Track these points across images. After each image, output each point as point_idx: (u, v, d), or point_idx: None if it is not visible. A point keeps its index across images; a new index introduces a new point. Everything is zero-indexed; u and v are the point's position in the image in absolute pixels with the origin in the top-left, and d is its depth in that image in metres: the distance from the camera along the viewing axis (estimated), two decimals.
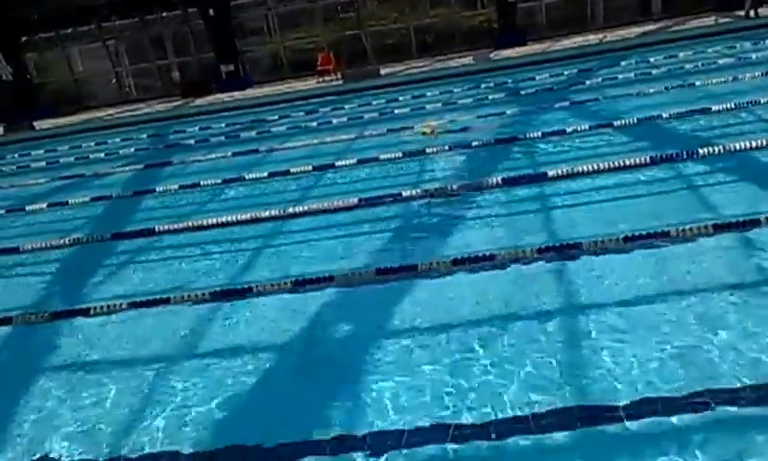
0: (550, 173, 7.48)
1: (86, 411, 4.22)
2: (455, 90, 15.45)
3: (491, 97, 13.97)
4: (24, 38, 23.89)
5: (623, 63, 15.27)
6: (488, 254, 5.55)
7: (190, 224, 7.77)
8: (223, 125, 16.20)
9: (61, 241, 7.92)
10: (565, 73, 15.46)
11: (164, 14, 24.03)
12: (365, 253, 6.24)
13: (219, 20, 22.06)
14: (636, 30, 20.13)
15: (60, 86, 25.23)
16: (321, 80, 20.89)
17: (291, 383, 4.28)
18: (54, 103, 24.01)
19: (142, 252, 7.32)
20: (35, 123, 20.61)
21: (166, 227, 7.77)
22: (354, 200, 7.68)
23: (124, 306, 5.64)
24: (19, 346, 5.57)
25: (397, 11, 24.09)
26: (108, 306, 5.66)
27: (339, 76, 20.49)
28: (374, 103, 15.59)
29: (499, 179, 7.59)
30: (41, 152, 16.28)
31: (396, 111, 13.91)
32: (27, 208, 10.07)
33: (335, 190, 8.64)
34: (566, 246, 5.50)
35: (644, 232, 5.43)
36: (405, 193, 7.66)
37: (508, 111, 11.94)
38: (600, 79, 13.83)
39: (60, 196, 10.59)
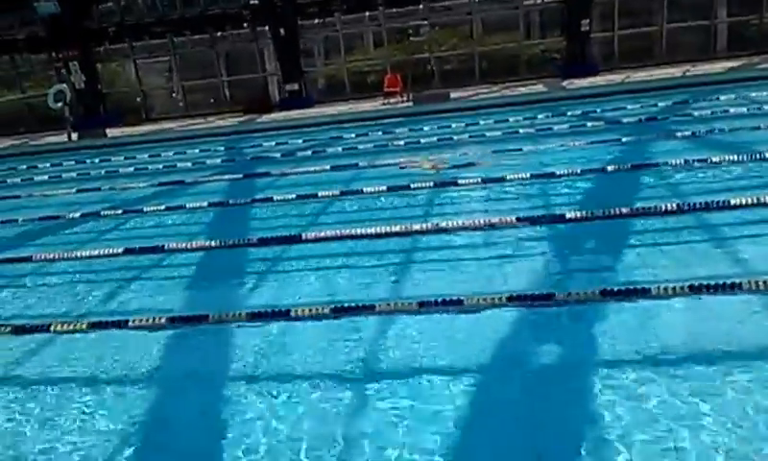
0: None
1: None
2: (540, 117, 15.31)
3: (589, 124, 13.78)
4: (97, 49, 24.21)
5: (721, 97, 14.93)
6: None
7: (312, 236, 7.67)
8: (300, 141, 16.17)
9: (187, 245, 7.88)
10: (660, 104, 15.23)
11: (233, 32, 24.18)
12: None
13: (287, 39, 22.18)
14: (710, 66, 19.85)
15: (125, 97, 25.52)
16: (386, 102, 20.85)
17: None
18: (120, 112, 24.27)
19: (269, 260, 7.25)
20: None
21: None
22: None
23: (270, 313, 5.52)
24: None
25: (459, 36, 24.12)
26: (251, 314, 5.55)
27: (406, 98, 20.44)
28: (454, 126, 15.50)
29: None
30: (122, 158, 16.41)
31: (487, 134, 13.81)
32: (144, 210, 10.05)
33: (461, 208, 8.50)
34: None
35: None
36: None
37: (611, 139, 11.76)
38: (704, 110, 13.60)
39: (169, 200, 10.56)
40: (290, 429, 3.95)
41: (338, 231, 7.74)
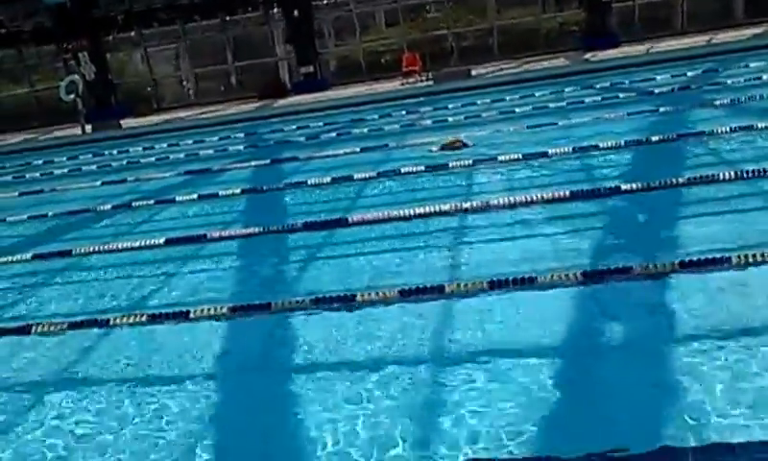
0: None
1: None
2: (567, 90, 14.91)
3: (621, 96, 13.39)
4: (106, 38, 23.83)
5: (751, 64, 14.48)
6: None
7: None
8: (321, 124, 15.80)
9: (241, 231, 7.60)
10: (689, 73, 14.82)
11: (244, 15, 23.79)
12: None
13: (301, 21, 21.76)
14: (732, 34, 19.35)
15: (135, 87, 25.17)
16: (405, 82, 20.44)
17: None
18: (130, 103, 23.91)
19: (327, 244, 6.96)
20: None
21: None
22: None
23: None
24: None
25: (475, 12, 23.67)
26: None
27: (426, 77, 20.03)
28: (479, 103, 15.11)
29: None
30: (140, 149, 16.09)
31: (517, 110, 13.45)
32: (177, 199, 9.75)
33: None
34: None
35: None
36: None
37: (648, 110, 11.40)
38: (738, 78, 13.19)
39: (200, 189, 10.24)
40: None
41: (385, 213, 7.44)
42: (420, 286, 5.16)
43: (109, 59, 24.36)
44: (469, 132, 11.64)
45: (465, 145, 10.55)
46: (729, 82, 13.22)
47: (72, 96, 20.05)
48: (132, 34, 24.06)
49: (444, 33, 22.71)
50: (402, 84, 20.09)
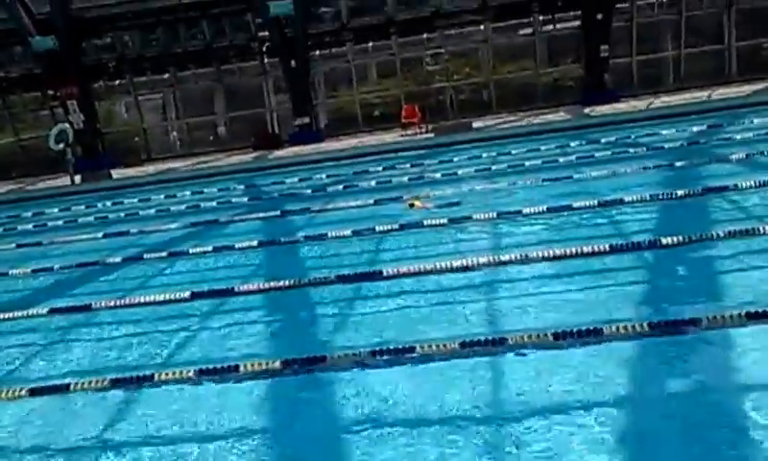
0: None
1: None
2: (572, 144, 14.84)
3: (631, 150, 13.30)
4: (95, 85, 23.46)
5: (755, 120, 14.56)
6: None
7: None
8: (324, 176, 15.49)
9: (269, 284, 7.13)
10: (695, 128, 14.88)
11: (240, 66, 23.70)
12: None
13: (298, 72, 21.65)
14: (727, 90, 19.67)
15: (124, 137, 24.75)
16: (404, 133, 20.31)
17: None
18: (119, 153, 23.43)
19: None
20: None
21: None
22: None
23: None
24: None
25: (470, 64, 23.88)
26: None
27: (425, 129, 19.94)
28: (485, 156, 14.96)
29: None
30: (135, 200, 15.58)
31: (526, 163, 13.28)
32: (191, 251, 9.25)
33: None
34: None
35: None
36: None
37: (663, 164, 11.29)
38: (746, 133, 13.18)
39: (212, 240, 9.77)
40: None
41: (418, 266, 7.05)
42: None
43: (97, 107, 23.98)
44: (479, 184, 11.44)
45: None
46: (738, 137, 13.25)
47: (61, 145, 19.54)
48: (123, 81, 23.68)
49: (442, 86, 22.71)
50: (402, 136, 19.95)
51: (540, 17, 23.09)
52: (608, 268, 6.41)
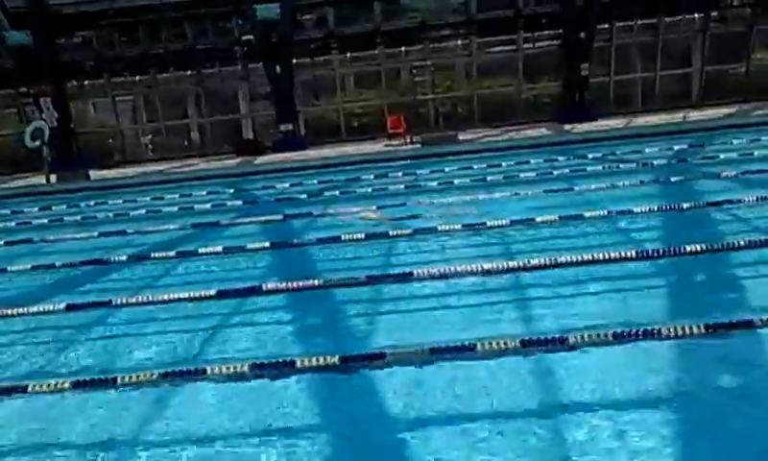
0: None
1: None
2: (560, 159, 15.11)
3: (622, 166, 13.60)
4: (70, 84, 22.90)
5: (734, 141, 15.05)
6: None
7: None
8: (315, 182, 15.42)
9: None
10: (676, 147, 15.27)
11: (223, 69, 23.48)
12: None
13: (283, 78, 21.53)
14: (701, 113, 20.30)
15: (98, 137, 24.20)
16: (389, 143, 20.37)
17: None
18: (94, 154, 22.89)
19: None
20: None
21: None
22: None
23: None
24: None
25: (451, 77, 24.20)
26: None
27: (409, 139, 20.04)
28: (475, 167, 15.09)
29: None
30: (120, 201, 15.24)
31: (521, 175, 13.44)
32: (200, 251, 9.04)
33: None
34: None
35: None
36: None
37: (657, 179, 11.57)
38: (730, 153, 13.57)
39: (220, 242, 9.57)
40: None
41: (450, 268, 7.04)
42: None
43: (76, 108, 23.45)
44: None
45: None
46: (722, 156, 13.65)
47: (37, 143, 18.98)
48: (99, 81, 23.16)
49: (426, 98, 22.86)
50: (386, 146, 19.99)
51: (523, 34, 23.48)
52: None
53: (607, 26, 22.78)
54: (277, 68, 21.19)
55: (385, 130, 22.03)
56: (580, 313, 5.54)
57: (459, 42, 24.00)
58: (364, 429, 4.11)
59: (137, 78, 23.88)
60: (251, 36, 21.96)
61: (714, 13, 23.31)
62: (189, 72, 23.78)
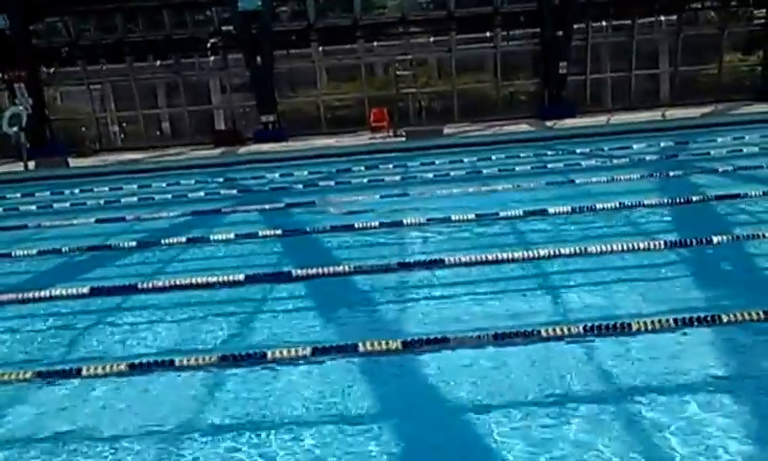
0: None
1: None
2: (549, 153, 15.36)
3: (614, 161, 13.81)
4: (45, 71, 22.29)
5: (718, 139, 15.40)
6: None
7: None
8: (306, 173, 15.33)
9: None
10: (662, 144, 15.63)
11: (211, 59, 23.17)
12: None
13: (263, 69, 21.33)
14: (677, 111, 20.80)
15: (72, 125, 23.63)
16: (372, 136, 20.38)
17: None
18: (69, 141, 22.33)
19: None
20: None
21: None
22: None
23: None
24: None
25: (429, 75, 24.36)
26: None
27: (392, 133, 20.10)
28: (466, 161, 15.18)
29: None
30: (106, 189, 14.89)
31: (516, 169, 13.62)
32: (212, 238, 8.97)
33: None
34: None
35: None
36: None
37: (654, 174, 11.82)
38: (720, 149, 13.90)
39: (229, 228, 9.48)
40: None
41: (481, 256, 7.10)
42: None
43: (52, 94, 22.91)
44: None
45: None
46: (713, 153, 13.91)
47: (15, 129, 18.43)
48: (75, 69, 22.60)
49: (408, 91, 22.86)
50: (371, 139, 20.00)
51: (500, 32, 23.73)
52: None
53: (583, 25, 23.15)
54: (258, 59, 20.95)
55: (365, 123, 22.04)
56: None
57: (432, 39, 24.16)
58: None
59: (103, 66, 23.39)
60: (230, 27, 21.71)
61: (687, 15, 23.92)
62: (162, 62, 23.37)
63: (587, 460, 3.41)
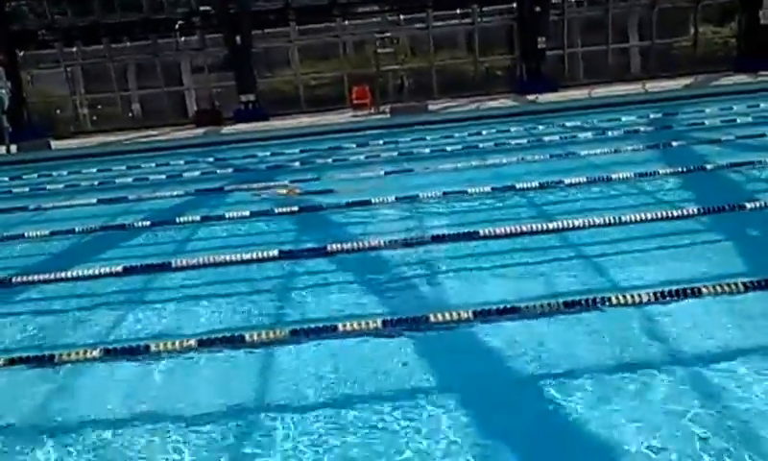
0: None
1: None
2: (540, 127, 15.50)
3: (611, 133, 13.98)
4: (22, 53, 21.71)
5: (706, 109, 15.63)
6: None
7: None
8: (297, 151, 15.30)
9: None
10: (651, 115, 15.91)
11: (182, 39, 22.78)
12: None
13: (242, 49, 21.11)
14: (658, 83, 21.15)
15: (49, 107, 23.13)
16: (355, 114, 20.38)
17: None
18: (47, 123, 21.87)
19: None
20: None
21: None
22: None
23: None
24: None
25: (405, 52, 24.44)
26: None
27: (375, 110, 20.14)
28: (456, 136, 15.30)
29: None
30: (94, 170, 14.74)
31: (512, 142, 13.73)
32: (227, 216, 8.95)
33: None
34: None
35: None
36: None
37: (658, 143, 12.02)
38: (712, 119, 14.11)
39: (237, 207, 9.47)
40: None
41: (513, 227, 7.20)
42: None
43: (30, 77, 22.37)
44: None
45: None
46: (707, 122, 14.01)
47: None
48: (51, 51, 22.06)
49: (389, 68, 22.83)
50: (354, 117, 20.00)
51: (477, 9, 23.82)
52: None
53: (560, 0, 23.41)
54: (237, 39, 20.74)
55: (346, 101, 22.01)
56: None
57: (408, 16, 24.15)
58: None
59: (80, 48, 22.88)
60: (208, 7, 21.41)
61: None
62: (136, 43, 22.97)
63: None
